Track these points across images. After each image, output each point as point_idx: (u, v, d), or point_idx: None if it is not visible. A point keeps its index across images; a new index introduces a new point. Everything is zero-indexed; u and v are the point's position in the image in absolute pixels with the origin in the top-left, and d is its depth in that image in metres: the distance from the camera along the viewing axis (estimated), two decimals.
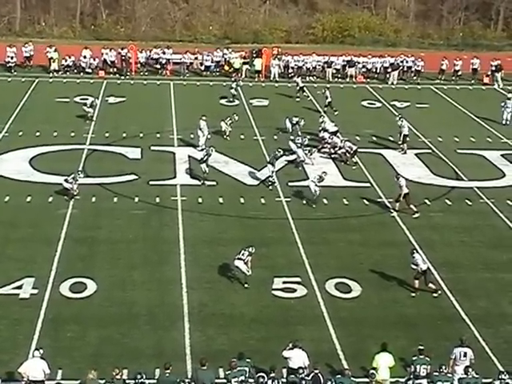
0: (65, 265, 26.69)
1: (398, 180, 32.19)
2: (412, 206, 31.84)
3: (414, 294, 25.77)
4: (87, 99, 43.70)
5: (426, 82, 54.35)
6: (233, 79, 49.72)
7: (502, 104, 45.19)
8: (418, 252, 26.49)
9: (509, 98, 45.16)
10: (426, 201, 33.46)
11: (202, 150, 36.74)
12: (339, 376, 19.98)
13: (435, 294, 25.77)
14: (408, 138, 39.47)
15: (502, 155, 39.58)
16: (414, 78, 54.78)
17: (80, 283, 25.53)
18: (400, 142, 39.55)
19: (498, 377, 20.12)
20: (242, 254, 25.79)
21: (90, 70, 53.15)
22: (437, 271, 27.29)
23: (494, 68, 54.88)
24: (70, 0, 67.57)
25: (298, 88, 48.61)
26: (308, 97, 48.46)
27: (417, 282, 25.82)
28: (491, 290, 26.40)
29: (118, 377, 19.32)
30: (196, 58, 54.43)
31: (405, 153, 39.08)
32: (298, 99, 48.09)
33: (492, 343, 23.19)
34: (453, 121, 45.45)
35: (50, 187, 32.95)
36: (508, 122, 44.49)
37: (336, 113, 44.70)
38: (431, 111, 47.53)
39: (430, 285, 25.88)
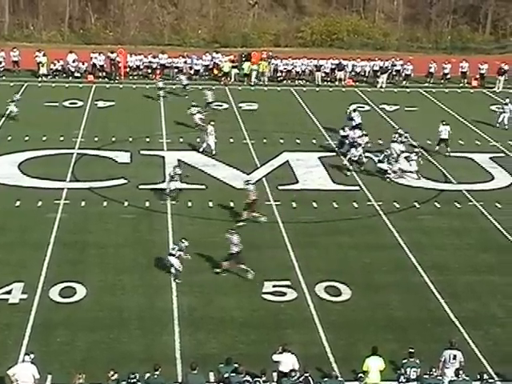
0: (54, 269, 26.63)
1: (247, 186, 31.25)
2: (255, 214, 30.99)
3: (218, 270, 26.44)
4: (76, 103, 43.59)
5: (414, 86, 54.52)
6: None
7: (500, 108, 45.45)
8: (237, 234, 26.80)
9: (506, 103, 45.40)
10: (416, 204, 33.53)
11: (214, 155, 37.50)
12: (326, 379, 20.00)
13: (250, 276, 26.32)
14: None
15: (490, 158, 39.70)
16: (404, 82, 54.94)
17: (70, 288, 25.47)
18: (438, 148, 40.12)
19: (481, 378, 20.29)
20: (173, 249, 26.19)
21: (78, 75, 53.12)
22: (426, 274, 27.36)
23: (483, 72, 55.28)
24: (58, 4, 67.57)
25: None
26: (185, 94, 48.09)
27: (226, 263, 26.52)
28: (480, 293, 26.47)
29: (114, 378, 19.30)
30: (185, 62, 54.45)
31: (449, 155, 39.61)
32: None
33: (481, 345, 23.24)
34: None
35: (39, 192, 32.92)
36: (502, 126, 44.66)
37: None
38: (420, 114, 47.64)
39: (242, 266, 26.36)
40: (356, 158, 36.84)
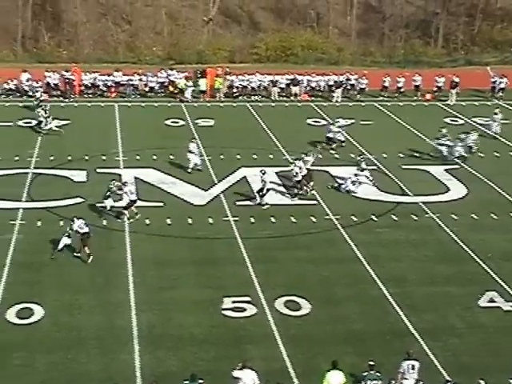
0: (11, 291, 26.29)
1: (125, 185, 32.89)
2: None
3: (90, 260, 28.56)
4: (30, 122, 43.15)
5: (369, 99, 54.93)
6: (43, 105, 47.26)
7: (490, 119, 47.07)
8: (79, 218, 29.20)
9: (496, 113, 46.87)
10: (373, 217, 33.73)
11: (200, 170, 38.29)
12: None
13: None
14: None
15: (445, 170, 40.09)
16: (358, 96, 55.35)
17: (27, 309, 25.17)
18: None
19: None
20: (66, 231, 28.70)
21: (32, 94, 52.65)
22: (385, 286, 27.50)
23: (440, 85, 56.01)
24: (10, 23, 66.87)
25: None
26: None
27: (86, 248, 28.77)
28: (438, 304, 26.67)
29: None
30: (140, 80, 54.36)
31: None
32: None
33: (440, 356, 23.41)
34: (397, 137, 45.91)
35: None
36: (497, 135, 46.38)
37: None
38: (375, 128, 47.96)
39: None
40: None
